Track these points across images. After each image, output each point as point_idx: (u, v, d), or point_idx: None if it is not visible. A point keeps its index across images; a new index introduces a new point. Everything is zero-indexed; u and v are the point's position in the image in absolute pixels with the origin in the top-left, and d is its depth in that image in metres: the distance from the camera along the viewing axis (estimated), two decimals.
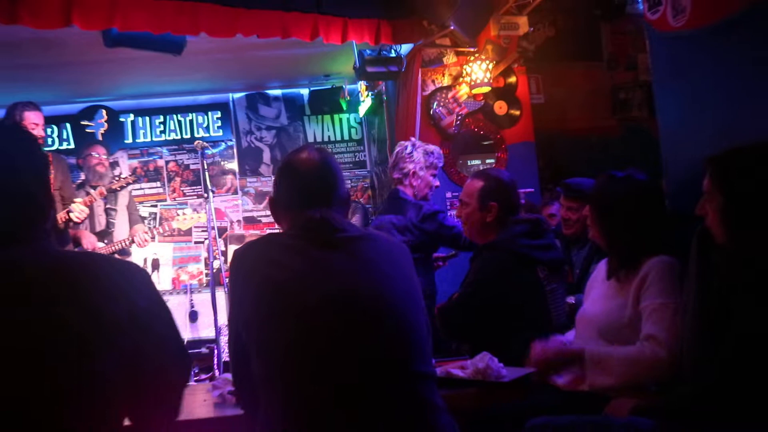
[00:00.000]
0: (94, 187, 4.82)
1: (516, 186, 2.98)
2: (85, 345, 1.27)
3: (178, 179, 6.54)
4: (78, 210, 4.44)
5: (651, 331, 2.17)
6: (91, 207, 4.86)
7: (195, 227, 6.14)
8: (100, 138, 6.35)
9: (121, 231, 5.00)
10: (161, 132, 6.55)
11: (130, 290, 1.37)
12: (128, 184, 4.86)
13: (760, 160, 1.90)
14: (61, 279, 1.31)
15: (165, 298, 1.48)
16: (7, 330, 1.24)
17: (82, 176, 5.15)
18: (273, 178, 2.00)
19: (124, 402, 1.35)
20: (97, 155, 5.10)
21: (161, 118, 6.56)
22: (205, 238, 6.06)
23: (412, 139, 4.13)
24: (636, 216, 2.34)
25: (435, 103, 5.13)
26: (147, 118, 6.54)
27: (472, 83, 4.85)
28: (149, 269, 6.24)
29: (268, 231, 6.36)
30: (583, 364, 2.32)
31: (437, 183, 3.98)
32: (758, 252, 1.83)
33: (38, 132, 4.37)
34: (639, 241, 2.33)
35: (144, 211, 6.24)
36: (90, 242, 4.73)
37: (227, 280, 4.35)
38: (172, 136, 6.56)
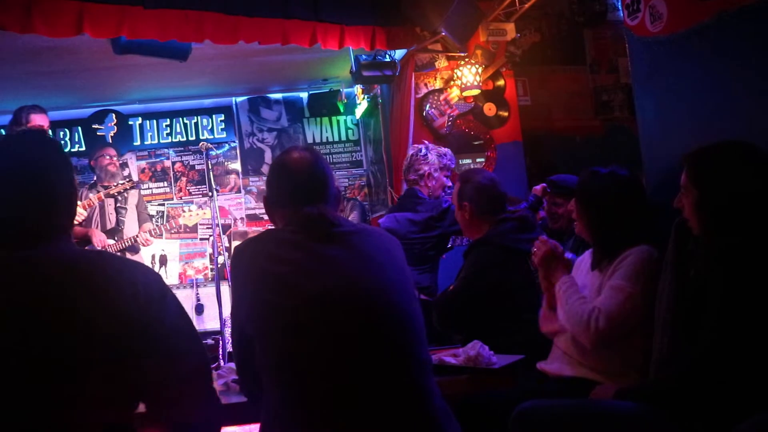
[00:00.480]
0: (106, 187, 4.82)
1: (494, 185, 2.97)
2: (101, 340, 1.27)
3: (184, 179, 6.53)
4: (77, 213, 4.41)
5: (603, 304, 2.19)
6: (102, 206, 4.85)
7: (200, 224, 6.14)
8: (110, 140, 6.34)
9: (130, 229, 4.99)
10: (168, 134, 6.54)
11: (140, 287, 1.35)
12: (126, 189, 4.83)
13: (733, 156, 1.92)
14: (76, 277, 1.31)
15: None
16: (27, 328, 1.24)
17: (95, 177, 5.14)
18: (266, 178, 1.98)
19: (148, 393, 1.36)
20: (108, 156, 5.08)
21: (168, 121, 6.54)
22: (210, 235, 6.04)
23: (425, 142, 4.10)
24: (619, 209, 2.33)
25: (428, 105, 5.12)
26: (154, 122, 6.52)
27: (463, 86, 4.85)
28: (157, 265, 6.25)
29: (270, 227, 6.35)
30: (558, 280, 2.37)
31: (450, 183, 3.95)
32: (730, 243, 1.83)
33: None
34: (622, 232, 2.32)
35: (152, 209, 6.23)
36: (100, 240, 4.72)
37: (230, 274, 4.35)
38: (178, 138, 6.55)
